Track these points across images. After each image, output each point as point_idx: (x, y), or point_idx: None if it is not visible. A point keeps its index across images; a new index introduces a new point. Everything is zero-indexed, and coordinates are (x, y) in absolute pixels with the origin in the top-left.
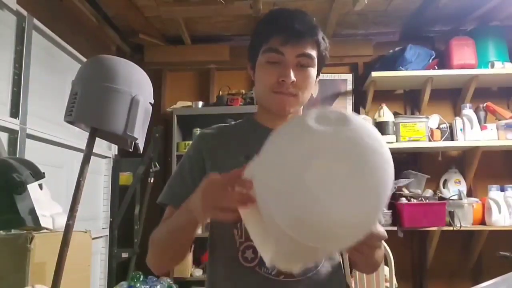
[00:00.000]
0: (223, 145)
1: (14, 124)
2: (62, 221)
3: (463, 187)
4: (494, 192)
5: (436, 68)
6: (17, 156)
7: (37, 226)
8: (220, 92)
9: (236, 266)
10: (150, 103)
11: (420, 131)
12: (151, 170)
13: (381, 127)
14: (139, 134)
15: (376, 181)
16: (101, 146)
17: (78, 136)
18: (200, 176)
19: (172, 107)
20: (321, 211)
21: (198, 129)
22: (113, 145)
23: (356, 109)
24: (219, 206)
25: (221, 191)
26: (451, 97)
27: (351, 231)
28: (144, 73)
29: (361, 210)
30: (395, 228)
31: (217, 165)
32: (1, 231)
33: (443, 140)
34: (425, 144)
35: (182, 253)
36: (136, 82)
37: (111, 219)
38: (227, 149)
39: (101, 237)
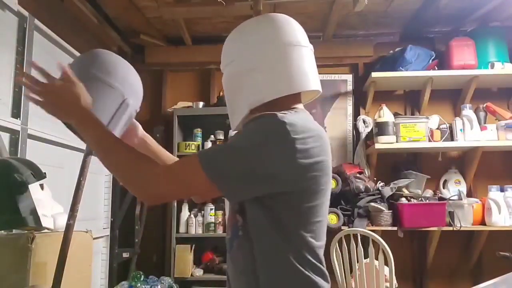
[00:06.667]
0: None
1: (15, 124)
2: (63, 221)
3: (463, 188)
4: (494, 193)
5: (436, 68)
6: (18, 156)
7: (38, 226)
8: (221, 93)
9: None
10: (136, 110)
11: (420, 131)
12: None
13: (381, 127)
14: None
15: None
16: None
17: None
18: None
19: (172, 107)
20: None
21: (199, 129)
22: None
23: (356, 110)
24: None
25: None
26: (451, 97)
27: None
28: (140, 80)
29: None
30: (395, 228)
31: None
32: (2, 231)
33: (443, 141)
34: (425, 144)
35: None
36: (131, 85)
37: (112, 219)
38: None
39: (102, 237)
